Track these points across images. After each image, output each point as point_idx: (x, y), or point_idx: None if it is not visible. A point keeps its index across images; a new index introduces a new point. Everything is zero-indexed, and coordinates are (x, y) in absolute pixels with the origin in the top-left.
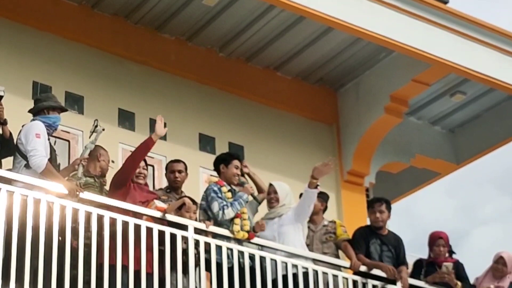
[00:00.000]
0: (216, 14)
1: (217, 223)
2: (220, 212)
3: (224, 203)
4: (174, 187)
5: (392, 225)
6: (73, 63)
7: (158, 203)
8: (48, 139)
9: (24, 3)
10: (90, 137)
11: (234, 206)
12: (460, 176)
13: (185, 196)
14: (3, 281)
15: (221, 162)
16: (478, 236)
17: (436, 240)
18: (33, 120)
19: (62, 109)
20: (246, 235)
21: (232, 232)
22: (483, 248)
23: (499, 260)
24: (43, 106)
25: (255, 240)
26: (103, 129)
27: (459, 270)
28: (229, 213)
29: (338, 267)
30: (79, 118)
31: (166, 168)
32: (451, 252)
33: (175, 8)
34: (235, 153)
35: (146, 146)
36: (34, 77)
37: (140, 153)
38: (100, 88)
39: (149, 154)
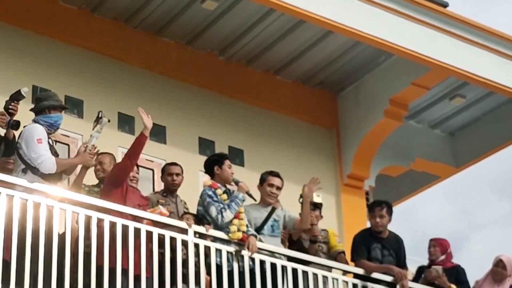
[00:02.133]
0: (216, 18)
1: (218, 227)
2: (219, 216)
3: (222, 206)
4: (171, 190)
5: (391, 228)
6: (72, 67)
7: (162, 208)
8: (49, 139)
9: (24, 7)
10: (93, 128)
11: (231, 207)
12: (459, 180)
13: (188, 213)
14: (3, 285)
15: (214, 164)
16: (478, 240)
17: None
18: (34, 120)
19: (63, 108)
20: (241, 235)
21: (228, 233)
22: (482, 252)
23: (499, 264)
24: (44, 105)
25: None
26: (109, 120)
27: (459, 274)
28: (228, 215)
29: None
30: (78, 122)
31: (163, 171)
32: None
33: (175, 12)
34: (223, 153)
35: (139, 143)
36: (34, 81)
37: (135, 151)
38: (100, 92)
39: (149, 157)
